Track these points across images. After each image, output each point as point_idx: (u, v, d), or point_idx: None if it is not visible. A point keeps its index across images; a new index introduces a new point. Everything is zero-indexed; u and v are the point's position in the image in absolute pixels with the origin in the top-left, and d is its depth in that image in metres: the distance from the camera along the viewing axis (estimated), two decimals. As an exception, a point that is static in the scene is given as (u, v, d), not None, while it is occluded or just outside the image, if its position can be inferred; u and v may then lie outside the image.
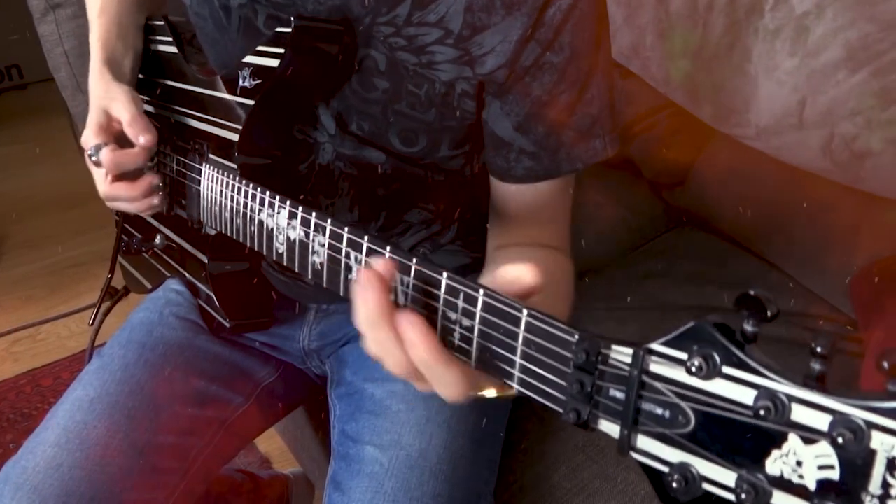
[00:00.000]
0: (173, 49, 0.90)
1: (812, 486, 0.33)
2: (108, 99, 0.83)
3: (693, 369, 0.37)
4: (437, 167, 0.82)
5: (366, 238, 0.54)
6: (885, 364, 0.31)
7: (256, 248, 0.71)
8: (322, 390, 0.97)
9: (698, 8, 1.09)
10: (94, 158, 0.81)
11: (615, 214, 1.37)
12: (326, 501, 0.80)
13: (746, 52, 1.06)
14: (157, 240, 0.95)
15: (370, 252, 0.54)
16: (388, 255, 0.52)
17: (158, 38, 0.93)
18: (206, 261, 0.84)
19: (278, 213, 0.65)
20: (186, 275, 0.92)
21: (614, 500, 0.90)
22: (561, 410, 0.44)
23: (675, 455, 0.38)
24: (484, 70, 0.71)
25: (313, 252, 0.61)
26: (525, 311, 0.45)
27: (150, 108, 0.96)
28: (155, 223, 0.97)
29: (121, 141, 0.82)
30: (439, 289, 0.50)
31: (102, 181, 0.84)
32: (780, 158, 1.12)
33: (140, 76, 0.96)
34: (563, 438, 0.97)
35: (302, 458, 1.34)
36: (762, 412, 0.34)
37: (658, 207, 1.45)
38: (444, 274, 0.50)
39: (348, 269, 0.57)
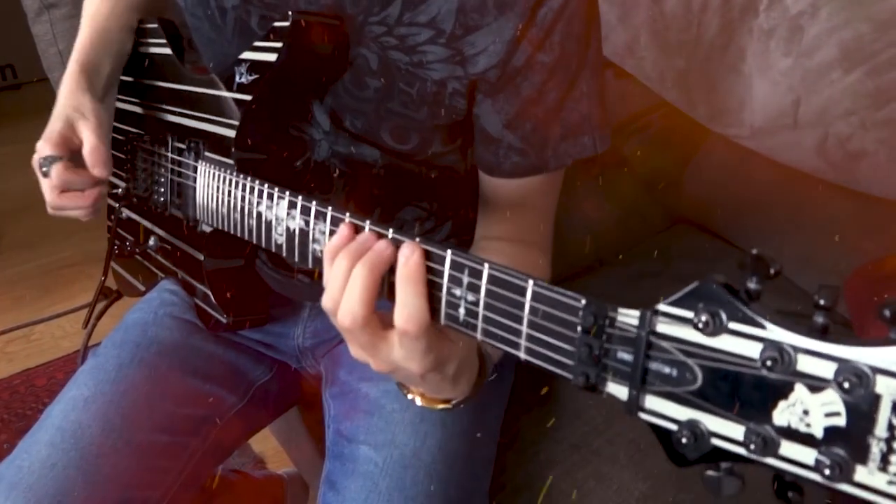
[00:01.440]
0: (166, 50, 0.90)
1: (819, 434, 0.34)
2: (77, 113, 0.83)
3: (700, 325, 0.37)
4: (430, 164, 0.82)
5: (367, 222, 0.55)
6: (887, 313, 0.31)
7: (255, 241, 0.71)
8: (316, 390, 0.97)
9: (693, 8, 1.10)
10: (44, 170, 0.80)
11: (610, 214, 1.37)
12: (321, 501, 0.80)
13: (741, 51, 1.06)
14: (151, 241, 0.95)
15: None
16: (391, 235, 0.53)
17: (150, 40, 0.93)
18: (203, 258, 0.84)
19: (277, 204, 0.66)
20: (181, 274, 0.92)
21: (609, 500, 0.90)
22: (570, 376, 0.44)
23: (683, 413, 0.39)
24: (476, 70, 0.72)
25: (314, 240, 0.61)
26: (531, 282, 0.46)
27: (139, 111, 0.96)
28: (149, 225, 0.96)
29: (76, 157, 0.82)
30: (443, 265, 0.50)
31: (50, 192, 0.83)
32: (775, 158, 1.13)
33: (130, 79, 0.96)
34: (557, 438, 0.97)
35: (296, 457, 1.34)
36: (769, 363, 0.34)
37: (653, 207, 1.45)
38: (449, 251, 0.50)
39: None
